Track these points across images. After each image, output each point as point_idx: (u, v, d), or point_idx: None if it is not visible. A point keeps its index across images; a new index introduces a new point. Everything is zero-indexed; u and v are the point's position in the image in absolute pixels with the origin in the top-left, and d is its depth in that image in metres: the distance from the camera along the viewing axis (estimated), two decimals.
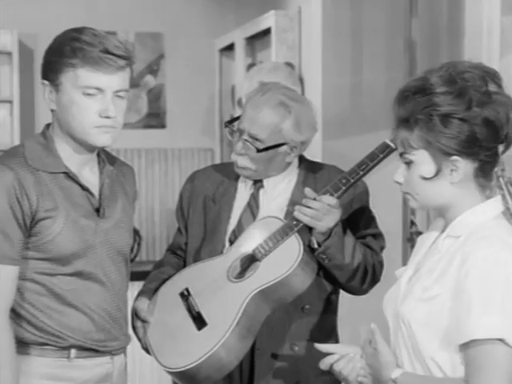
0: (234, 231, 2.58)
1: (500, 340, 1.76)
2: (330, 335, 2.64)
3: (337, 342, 2.65)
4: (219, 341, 2.33)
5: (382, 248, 2.63)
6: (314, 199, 2.41)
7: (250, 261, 2.45)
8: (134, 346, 2.51)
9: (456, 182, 1.87)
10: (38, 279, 2.22)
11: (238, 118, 2.61)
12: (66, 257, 2.21)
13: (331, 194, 2.42)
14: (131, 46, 2.27)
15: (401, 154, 1.92)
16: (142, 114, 5.74)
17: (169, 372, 2.41)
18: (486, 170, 1.88)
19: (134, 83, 5.68)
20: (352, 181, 2.42)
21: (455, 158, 1.85)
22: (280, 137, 2.52)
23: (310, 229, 2.45)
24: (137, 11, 5.62)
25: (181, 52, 5.71)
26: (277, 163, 2.57)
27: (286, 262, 2.39)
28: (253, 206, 2.59)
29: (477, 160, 1.86)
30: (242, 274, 2.45)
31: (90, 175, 2.30)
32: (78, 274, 2.24)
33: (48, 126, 2.30)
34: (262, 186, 2.60)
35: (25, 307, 2.23)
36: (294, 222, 2.43)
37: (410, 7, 4.12)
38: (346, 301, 2.76)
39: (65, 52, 2.17)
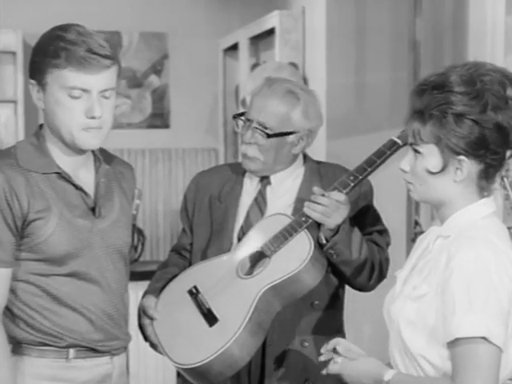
0: (242, 228, 2.58)
1: (483, 338, 1.78)
2: (338, 331, 2.65)
3: (343, 335, 2.66)
4: (232, 337, 2.33)
5: (388, 244, 2.65)
6: (323, 195, 2.42)
7: (259, 257, 2.46)
8: (138, 345, 2.51)
9: (459, 180, 1.89)
10: (33, 280, 2.21)
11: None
12: (60, 257, 2.20)
13: (339, 191, 2.43)
14: (115, 48, 2.22)
15: (410, 144, 1.95)
16: (145, 114, 5.74)
17: (180, 368, 2.40)
18: (489, 173, 1.91)
19: (138, 83, 5.69)
20: (360, 177, 2.44)
21: (462, 157, 1.87)
22: (289, 125, 2.55)
23: (318, 225, 2.46)
24: (141, 11, 5.62)
25: (185, 52, 5.71)
26: (284, 154, 2.59)
27: (296, 258, 2.40)
28: (260, 203, 2.60)
29: (483, 162, 1.88)
30: (251, 270, 2.45)
31: (85, 174, 2.28)
32: (74, 275, 2.22)
33: (41, 125, 2.29)
34: (268, 183, 2.62)
35: (21, 308, 2.22)
36: (303, 219, 2.44)
37: (414, 7, 4.12)
38: (350, 299, 2.76)
39: (49, 52, 2.15)
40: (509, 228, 2.81)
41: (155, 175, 5.73)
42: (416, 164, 1.93)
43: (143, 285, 2.71)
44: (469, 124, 1.85)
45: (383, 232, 2.65)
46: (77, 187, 2.24)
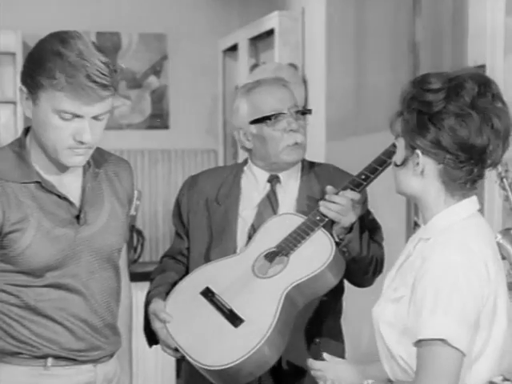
0: (253, 226, 2.58)
1: (443, 341, 1.80)
2: (340, 330, 2.69)
3: (342, 338, 2.69)
4: (263, 337, 2.31)
5: (383, 240, 2.68)
6: (337, 194, 2.45)
7: (275, 257, 2.45)
8: (137, 345, 2.49)
9: (418, 174, 1.91)
10: (11, 290, 2.15)
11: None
12: (39, 269, 2.13)
13: (353, 190, 2.45)
14: (117, 67, 2.09)
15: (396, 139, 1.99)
16: (145, 115, 5.74)
17: (210, 370, 2.35)
18: (452, 175, 1.90)
19: (138, 84, 5.69)
20: (372, 177, 2.46)
21: (418, 152, 1.89)
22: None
23: (331, 223, 2.48)
24: (140, 12, 5.62)
25: (184, 53, 5.71)
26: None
27: (319, 256, 2.40)
28: (273, 201, 2.61)
29: (441, 162, 1.89)
30: (268, 269, 2.44)
31: (71, 179, 2.20)
32: (54, 286, 2.15)
33: (27, 130, 2.21)
34: (278, 181, 2.64)
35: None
36: (318, 218, 2.46)
37: (413, 8, 4.12)
38: (349, 300, 2.76)
39: (46, 68, 2.03)
40: (508, 229, 2.81)
41: (154, 176, 5.73)
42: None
43: (142, 286, 2.70)
44: (426, 122, 1.87)
45: (379, 229, 2.68)
46: (60, 196, 2.16)
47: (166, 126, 5.78)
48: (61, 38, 2.07)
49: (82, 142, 2.08)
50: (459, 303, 1.81)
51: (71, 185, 2.20)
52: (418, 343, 1.83)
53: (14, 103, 5.32)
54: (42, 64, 2.05)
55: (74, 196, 2.20)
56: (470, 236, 1.89)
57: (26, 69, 2.12)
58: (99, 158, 2.27)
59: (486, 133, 1.86)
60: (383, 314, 1.93)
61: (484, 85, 1.89)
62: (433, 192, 1.92)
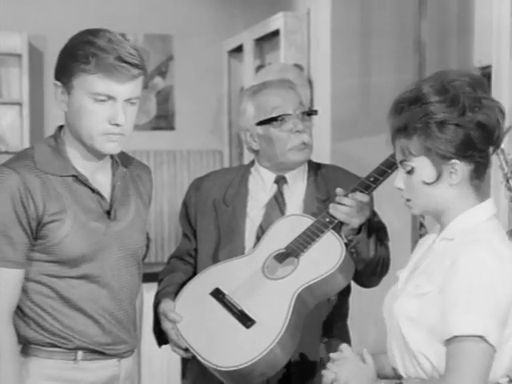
0: (261, 227, 2.60)
1: (480, 337, 1.83)
2: (346, 330, 2.69)
3: (349, 338, 2.69)
4: (275, 338, 2.31)
5: (388, 240, 2.70)
6: (346, 196, 2.47)
7: (285, 258, 2.46)
8: (143, 344, 2.50)
9: (455, 183, 1.95)
10: (45, 281, 2.22)
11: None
12: (74, 259, 2.21)
13: (362, 192, 2.47)
14: (144, 53, 2.23)
15: (401, 162, 2.00)
16: (150, 116, 5.75)
17: (220, 371, 2.35)
18: (480, 172, 1.97)
19: (143, 85, 5.68)
20: (381, 179, 2.48)
21: (454, 161, 1.93)
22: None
23: (340, 225, 2.49)
24: (146, 13, 5.63)
25: (190, 54, 5.72)
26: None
27: (329, 258, 2.42)
28: (280, 202, 2.63)
29: (472, 162, 1.94)
30: (279, 271, 2.45)
31: (102, 177, 2.29)
32: (86, 277, 2.23)
33: (61, 127, 2.29)
34: (285, 182, 2.66)
35: (32, 308, 2.23)
36: (328, 219, 2.47)
37: (419, 8, 4.12)
38: (355, 300, 2.77)
39: (78, 56, 2.15)
40: None
41: (160, 177, 5.73)
42: (411, 180, 1.98)
43: (148, 286, 2.70)
44: (452, 128, 1.91)
45: (385, 230, 2.69)
46: (93, 190, 2.25)
47: (171, 127, 5.79)
48: (91, 31, 2.19)
49: (116, 125, 2.17)
50: (494, 301, 1.85)
51: (101, 181, 2.29)
52: (452, 339, 1.85)
53: (20, 104, 5.33)
54: (73, 54, 2.16)
55: (105, 192, 2.28)
56: (495, 237, 1.94)
57: (58, 63, 2.21)
58: (124, 160, 2.37)
59: (500, 123, 1.95)
60: (404, 309, 1.95)
61: (480, 81, 1.97)
62: (462, 195, 1.96)
